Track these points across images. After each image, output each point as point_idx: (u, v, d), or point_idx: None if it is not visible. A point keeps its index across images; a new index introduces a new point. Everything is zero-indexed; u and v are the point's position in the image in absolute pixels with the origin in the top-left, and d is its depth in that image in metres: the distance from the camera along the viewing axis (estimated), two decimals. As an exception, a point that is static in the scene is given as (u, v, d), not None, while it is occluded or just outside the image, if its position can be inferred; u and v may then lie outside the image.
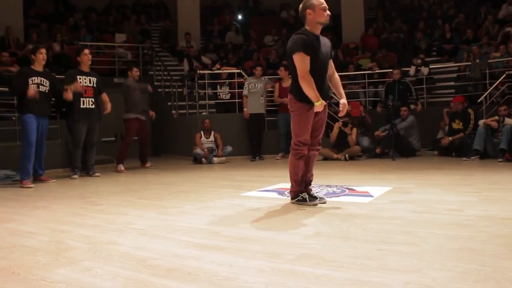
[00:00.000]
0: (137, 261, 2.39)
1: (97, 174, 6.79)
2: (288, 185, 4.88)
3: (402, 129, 8.35)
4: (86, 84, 6.68)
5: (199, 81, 9.86)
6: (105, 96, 6.92)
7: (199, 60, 11.79)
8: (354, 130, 8.25)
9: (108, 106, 6.83)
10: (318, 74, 3.65)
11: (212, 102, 10.01)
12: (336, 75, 3.95)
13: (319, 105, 3.59)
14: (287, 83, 8.97)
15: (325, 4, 3.71)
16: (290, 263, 2.26)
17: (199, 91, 9.91)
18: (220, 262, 2.33)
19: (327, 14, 3.72)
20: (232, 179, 6.02)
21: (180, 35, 13.50)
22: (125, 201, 4.40)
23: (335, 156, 8.10)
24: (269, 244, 2.62)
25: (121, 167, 7.46)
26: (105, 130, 8.08)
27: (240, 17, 15.73)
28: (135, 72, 7.91)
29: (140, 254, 2.52)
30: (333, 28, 14.30)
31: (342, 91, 3.91)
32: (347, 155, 8.02)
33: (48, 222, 3.52)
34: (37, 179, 6.19)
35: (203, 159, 8.36)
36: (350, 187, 4.61)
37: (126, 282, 2.07)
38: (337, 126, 8.39)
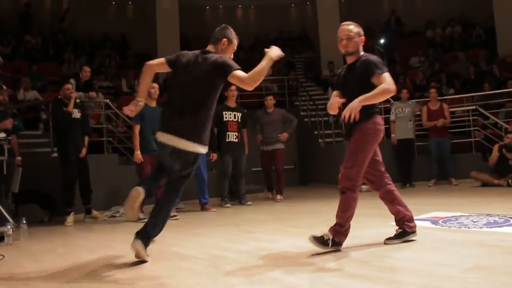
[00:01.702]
0: (288, 287, 2.47)
1: (249, 203, 7.15)
2: (442, 214, 4.64)
3: None
4: (231, 119, 7.16)
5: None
6: (244, 134, 7.30)
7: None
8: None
9: (245, 148, 7.27)
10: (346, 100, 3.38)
11: (358, 129, 9.91)
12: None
13: None
14: (435, 105, 8.55)
15: (339, 36, 3.52)
16: (447, 297, 2.14)
17: (345, 118, 9.89)
18: (371, 293, 2.30)
19: (341, 46, 3.51)
20: (380, 208, 5.76)
21: (324, 64, 13.72)
22: (277, 229, 4.56)
23: (496, 182, 7.40)
24: (423, 276, 2.51)
25: (268, 194, 7.95)
26: (255, 160, 8.42)
27: (383, 40, 15.48)
28: (268, 100, 7.88)
29: (291, 281, 2.60)
30: (485, 43, 13.30)
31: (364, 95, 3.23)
32: (510, 181, 7.28)
33: (207, 247, 3.81)
34: (202, 208, 6.80)
35: (350, 187, 8.27)
36: (515, 216, 4.19)
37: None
38: (496, 148, 7.70)
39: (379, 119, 3.42)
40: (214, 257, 3.39)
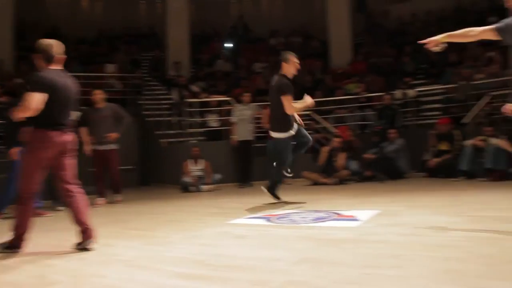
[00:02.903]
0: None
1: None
2: (276, 211, 4.90)
3: (391, 152, 8.41)
4: None
5: (188, 109, 9.91)
6: (83, 133, 6.85)
7: (189, 89, 11.88)
8: (343, 154, 8.29)
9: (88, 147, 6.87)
10: None
11: (201, 130, 10.03)
12: None
13: None
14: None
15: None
16: (275, 290, 2.25)
17: (188, 119, 9.95)
18: (205, 291, 2.31)
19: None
20: (220, 207, 6.00)
21: (170, 64, 13.63)
22: (113, 232, 4.35)
23: (324, 180, 8.11)
24: (255, 272, 2.61)
25: (97, 200, 6.97)
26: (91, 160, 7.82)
27: (229, 45, 15.91)
28: (96, 95, 7.20)
29: (125, 286, 2.50)
30: (321, 54, 14.51)
31: None
32: (335, 180, 8.03)
33: (33, 256, 3.47)
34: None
35: (191, 188, 8.33)
36: (337, 212, 4.61)
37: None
38: (325, 150, 8.42)
39: (43, 134, 3.43)
40: (40, 266, 3.11)
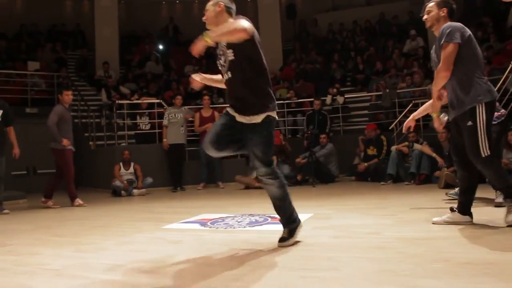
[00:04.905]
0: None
1: (5, 211, 6.30)
2: (210, 216, 4.85)
3: (321, 156, 8.63)
4: None
5: (117, 111, 9.62)
6: (10, 132, 6.45)
7: (118, 90, 11.54)
8: (274, 158, 8.38)
9: (17, 152, 6.47)
10: None
11: (132, 132, 9.77)
12: None
13: None
14: (208, 112, 8.99)
15: None
16: (214, 296, 2.21)
17: (118, 121, 9.66)
18: (141, 299, 2.23)
19: None
20: (152, 212, 5.85)
21: (98, 64, 13.17)
22: (38, 240, 4.11)
23: (257, 184, 8.15)
24: (192, 279, 2.55)
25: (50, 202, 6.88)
26: (16, 163, 7.43)
27: (160, 46, 15.65)
28: (67, 95, 7.03)
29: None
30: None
31: None
32: (269, 183, 8.09)
33: None
34: None
35: (122, 192, 8.08)
36: (272, 215, 4.62)
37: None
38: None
39: None
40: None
